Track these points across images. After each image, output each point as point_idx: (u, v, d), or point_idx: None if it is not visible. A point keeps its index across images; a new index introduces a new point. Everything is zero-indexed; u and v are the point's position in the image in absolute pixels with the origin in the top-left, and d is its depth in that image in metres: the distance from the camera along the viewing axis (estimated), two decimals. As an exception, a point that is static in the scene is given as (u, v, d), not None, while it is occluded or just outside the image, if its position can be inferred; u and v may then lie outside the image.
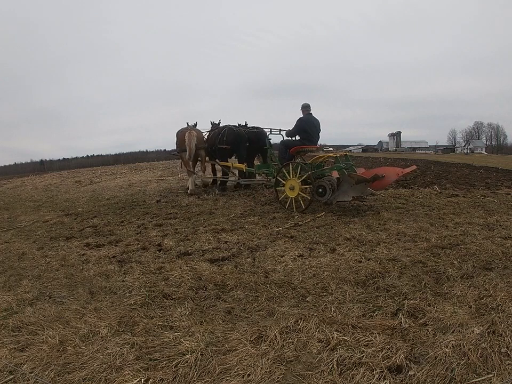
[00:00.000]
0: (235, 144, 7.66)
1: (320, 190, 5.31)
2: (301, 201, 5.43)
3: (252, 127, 8.16)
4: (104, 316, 2.33)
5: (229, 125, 7.97)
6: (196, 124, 8.12)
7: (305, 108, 5.99)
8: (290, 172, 5.55)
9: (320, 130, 6.04)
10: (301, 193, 5.42)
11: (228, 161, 7.98)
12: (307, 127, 5.87)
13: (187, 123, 7.99)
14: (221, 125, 8.21)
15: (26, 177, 18.91)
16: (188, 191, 7.74)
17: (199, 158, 7.97)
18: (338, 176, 5.48)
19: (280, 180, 5.72)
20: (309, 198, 5.41)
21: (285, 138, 6.76)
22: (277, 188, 5.84)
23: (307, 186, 5.43)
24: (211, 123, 8.48)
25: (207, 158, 8.31)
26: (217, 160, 8.20)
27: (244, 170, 7.78)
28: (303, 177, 5.41)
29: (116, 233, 4.73)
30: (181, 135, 7.66)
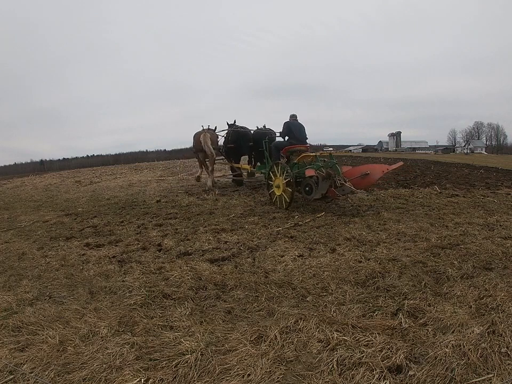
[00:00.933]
0: (237, 143, 8.23)
1: (307, 188, 5.50)
2: (284, 199, 5.70)
3: (267, 129, 8.60)
4: (104, 315, 2.33)
5: (237, 126, 8.56)
6: (215, 128, 8.78)
7: (291, 117, 6.55)
8: (277, 171, 5.87)
9: (305, 133, 6.47)
10: (286, 190, 5.67)
11: (239, 161, 8.74)
12: (292, 126, 6.34)
13: (202, 126, 8.62)
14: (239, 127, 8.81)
15: (26, 177, 18.92)
16: (208, 186, 8.40)
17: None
18: (314, 175, 5.45)
19: (269, 181, 6.12)
20: (290, 196, 5.59)
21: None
22: (269, 191, 6.20)
23: (287, 182, 5.63)
24: (227, 124, 8.88)
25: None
26: (232, 160, 8.81)
27: (249, 171, 8.45)
28: (284, 175, 5.70)
29: (116, 233, 4.73)
30: (197, 137, 8.36)
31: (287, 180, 5.61)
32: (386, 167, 5.30)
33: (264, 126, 8.64)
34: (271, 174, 5.99)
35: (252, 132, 8.47)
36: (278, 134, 7.78)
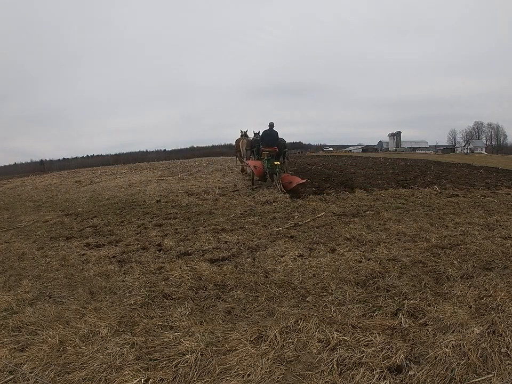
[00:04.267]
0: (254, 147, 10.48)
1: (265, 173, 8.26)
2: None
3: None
4: (104, 315, 2.33)
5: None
6: (246, 131, 11.97)
7: (269, 126, 8.92)
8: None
9: (276, 138, 8.80)
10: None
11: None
12: (265, 136, 8.85)
13: (241, 130, 11.91)
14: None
15: (26, 177, 18.93)
16: (247, 172, 10.97)
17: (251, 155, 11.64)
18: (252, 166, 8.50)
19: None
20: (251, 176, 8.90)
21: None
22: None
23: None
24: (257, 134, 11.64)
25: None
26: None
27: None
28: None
29: (116, 233, 4.73)
30: (236, 141, 11.89)
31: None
32: (299, 180, 7.76)
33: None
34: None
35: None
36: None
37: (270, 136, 8.73)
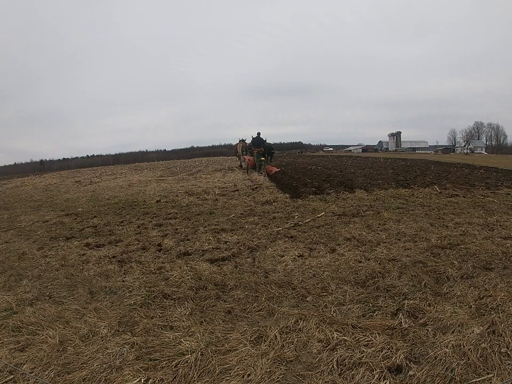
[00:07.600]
0: (249, 148, 14.92)
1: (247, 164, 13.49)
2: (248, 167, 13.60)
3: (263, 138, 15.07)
4: (104, 315, 2.33)
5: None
6: (245, 139, 16.62)
7: (257, 134, 13.52)
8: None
9: (262, 142, 13.25)
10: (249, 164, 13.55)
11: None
12: (255, 141, 13.38)
13: (239, 139, 16.68)
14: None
15: (26, 177, 18.96)
16: (242, 167, 15.26)
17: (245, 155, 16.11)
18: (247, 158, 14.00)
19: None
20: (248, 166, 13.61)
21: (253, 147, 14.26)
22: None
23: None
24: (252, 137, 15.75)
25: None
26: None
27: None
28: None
29: (115, 233, 4.73)
30: (235, 145, 16.99)
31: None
32: (276, 169, 11.52)
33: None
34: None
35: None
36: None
37: (258, 141, 13.49)
